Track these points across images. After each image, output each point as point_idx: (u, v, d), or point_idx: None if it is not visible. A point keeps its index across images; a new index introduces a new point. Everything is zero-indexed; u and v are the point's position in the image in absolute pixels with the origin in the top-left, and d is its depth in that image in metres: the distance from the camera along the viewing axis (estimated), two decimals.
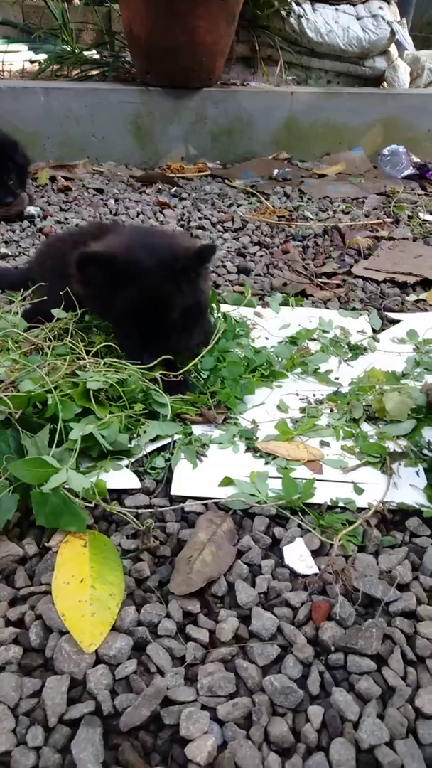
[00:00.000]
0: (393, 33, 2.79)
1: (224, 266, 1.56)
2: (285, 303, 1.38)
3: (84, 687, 0.59)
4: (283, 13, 2.72)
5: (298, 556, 0.74)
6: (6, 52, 2.96)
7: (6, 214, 1.77)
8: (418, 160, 2.54)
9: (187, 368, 0.99)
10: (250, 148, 2.57)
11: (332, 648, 0.64)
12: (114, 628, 0.64)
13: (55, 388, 0.86)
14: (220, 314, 1.21)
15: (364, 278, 1.54)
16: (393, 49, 2.94)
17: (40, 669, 0.61)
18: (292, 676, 0.61)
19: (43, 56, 2.87)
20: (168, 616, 0.66)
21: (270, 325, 1.27)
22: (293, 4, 2.70)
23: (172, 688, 0.60)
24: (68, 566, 0.69)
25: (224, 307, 1.29)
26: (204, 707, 0.58)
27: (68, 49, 2.80)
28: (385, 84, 2.96)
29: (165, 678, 0.61)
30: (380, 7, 2.79)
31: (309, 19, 2.74)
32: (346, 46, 2.77)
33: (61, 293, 1.03)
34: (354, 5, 2.80)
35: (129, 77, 2.63)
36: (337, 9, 2.77)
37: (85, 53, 2.86)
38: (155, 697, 0.58)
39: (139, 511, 0.78)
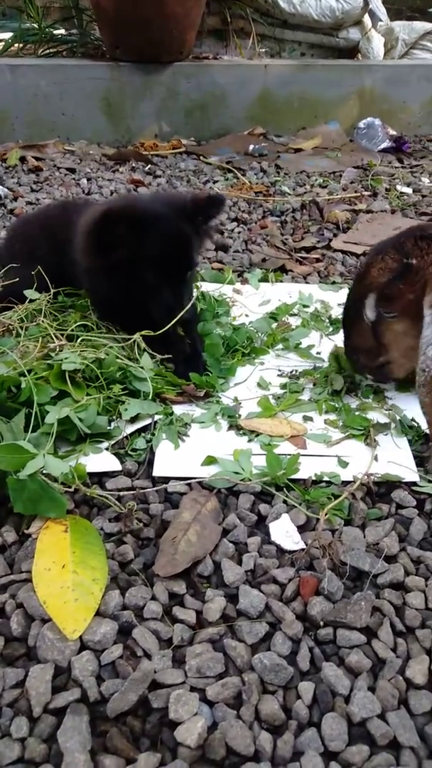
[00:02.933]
0: (366, 3, 2.75)
1: None
2: (264, 279, 1.35)
3: (69, 675, 0.58)
4: None
5: (284, 532, 0.73)
6: None
7: None
8: (394, 133, 2.51)
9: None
10: (225, 123, 2.51)
11: (321, 623, 0.63)
12: (98, 613, 0.62)
13: (29, 370, 0.84)
14: (199, 293, 1.19)
15: (343, 252, 1.52)
16: (367, 20, 2.89)
17: (23, 658, 0.60)
18: (281, 653, 0.60)
19: (8, 34, 2.77)
20: (153, 598, 0.65)
21: (250, 302, 1.25)
22: None
23: (160, 671, 0.58)
24: (49, 552, 0.67)
25: (203, 286, 1.26)
26: (193, 689, 0.57)
27: (35, 26, 2.70)
28: (359, 55, 2.91)
29: (152, 661, 0.59)
30: None
31: None
32: (319, 17, 2.72)
33: (33, 273, 1.00)
34: None
35: (98, 53, 2.55)
36: None
37: (53, 30, 2.77)
38: (142, 681, 0.57)
39: (121, 493, 0.76)
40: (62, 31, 2.83)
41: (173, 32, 2.29)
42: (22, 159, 2.08)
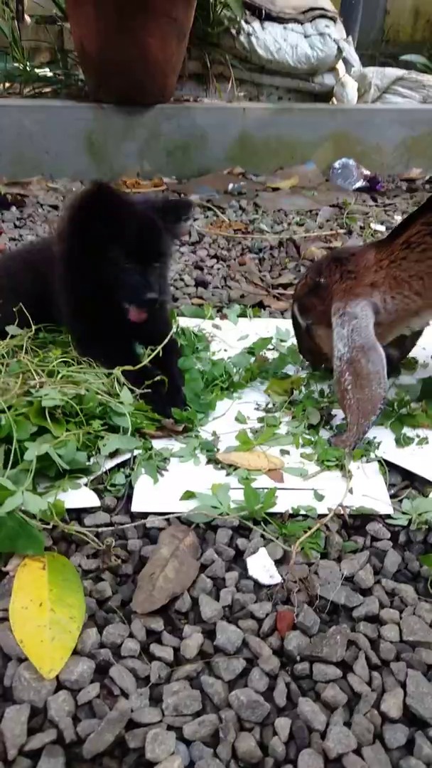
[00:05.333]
0: (340, 50, 2.88)
1: (182, 279, 1.57)
2: (243, 314, 1.39)
3: (45, 715, 0.57)
4: (233, 31, 2.77)
5: (261, 566, 0.74)
6: None
7: None
8: (368, 173, 2.61)
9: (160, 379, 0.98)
10: (205, 163, 2.59)
11: (298, 658, 0.64)
12: (75, 652, 0.62)
13: (9, 407, 0.85)
14: (179, 329, 1.21)
15: None
16: (341, 66, 3.03)
17: None
18: (258, 690, 0.61)
19: None
20: (131, 635, 0.65)
21: (229, 337, 1.28)
22: (243, 22, 2.76)
23: (137, 710, 0.58)
24: (26, 590, 0.67)
25: (182, 321, 1.29)
26: (170, 727, 0.57)
27: (20, 67, 2.78)
28: (334, 99, 3.04)
29: (129, 700, 0.59)
30: (326, 26, 2.88)
31: (258, 38, 2.80)
32: (296, 63, 2.84)
33: (14, 310, 1.01)
34: (301, 24, 2.88)
35: (82, 94, 2.63)
36: (285, 27, 2.84)
37: (38, 71, 2.85)
38: (119, 720, 0.56)
39: (100, 529, 0.77)
40: (47, 72, 2.92)
41: (155, 76, 2.37)
42: (5, 196, 2.11)
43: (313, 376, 1.14)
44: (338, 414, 1.02)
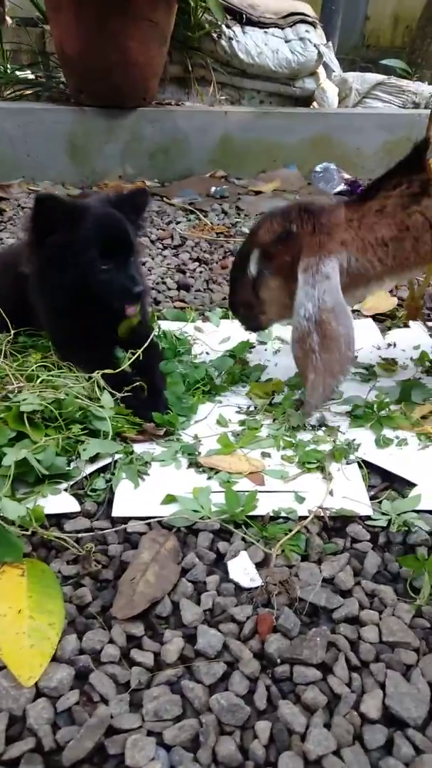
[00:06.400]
0: (320, 55, 2.91)
1: (164, 283, 1.57)
2: (225, 317, 1.39)
3: (24, 723, 0.57)
4: (215, 35, 2.79)
5: (242, 569, 0.74)
6: None
7: None
8: (348, 177, 2.63)
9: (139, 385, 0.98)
10: (187, 166, 2.59)
11: (278, 660, 0.64)
12: (54, 659, 0.62)
13: None
14: (161, 332, 1.21)
15: None
16: (321, 71, 3.05)
17: None
18: (238, 693, 0.61)
19: None
20: (111, 641, 0.65)
21: (210, 340, 1.28)
22: (224, 27, 2.77)
23: (117, 716, 0.58)
24: (5, 598, 0.66)
25: (164, 324, 1.29)
26: (150, 733, 0.57)
27: (0, 70, 2.76)
28: (315, 104, 3.07)
29: (109, 706, 0.59)
30: (307, 31, 2.90)
31: (240, 42, 2.82)
32: (276, 68, 2.86)
33: None
34: (282, 29, 2.90)
35: (63, 97, 2.62)
36: (266, 32, 2.86)
37: (19, 73, 2.83)
38: (98, 727, 0.56)
39: (80, 535, 0.76)
40: (29, 75, 2.90)
41: (136, 79, 2.37)
42: None
43: (293, 380, 1.14)
44: (314, 414, 1.03)
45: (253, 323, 1.12)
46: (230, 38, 2.81)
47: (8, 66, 2.79)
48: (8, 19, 3.68)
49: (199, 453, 0.94)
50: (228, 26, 2.80)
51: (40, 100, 2.61)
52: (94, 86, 2.33)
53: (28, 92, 2.72)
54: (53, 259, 0.93)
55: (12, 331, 1.03)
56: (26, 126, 2.32)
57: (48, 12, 2.33)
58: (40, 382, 0.92)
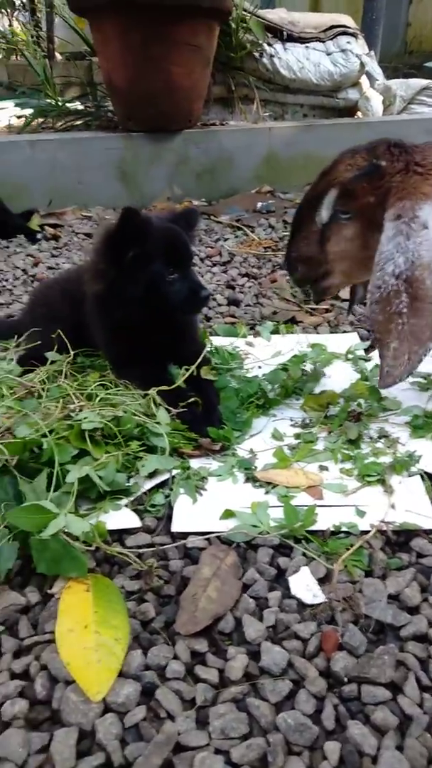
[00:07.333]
0: (362, 65, 2.90)
1: (214, 299, 1.58)
2: (276, 331, 1.39)
3: (93, 738, 0.58)
4: (256, 54, 2.83)
5: (304, 585, 0.73)
6: None
7: None
8: None
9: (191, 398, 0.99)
10: (233, 184, 2.63)
11: (345, 679, 0.62)
12: (121, 674, 0.63)
13: (51, 431, 0.87)
14: (213, 348, 1.22)
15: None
16: (364, 80, 3.04)
17: (48, 722, 0.60)
18: (305, 712, 0.60)
19: (28, 111, 2.97)
20: (175, 657, 0.65)
21: (262, 354, 1.28)
22: (265, 45, 2.81)
23: (184, 733, 0.58)
24: (72, 613, 0.68)
25: (216, 340, 1.30)
26: (218, 751, 0.57)
27: (52, 103, 2.90)
28: (359, 114, 3.05)
29: (176, 723, 0.59)
30: (348, 42, 2.90)
31: (281, 58, 2.85)
32: (319, 81, 2.87)
33: (52, 336, 1.05)
34: (323, 42, 2.92)
35: (112, 125, 2.72)
36: (307, 47, 2.88)
37: (69, 105, 2.96)
38: (166, 744, 0.56)
39: (141, 550, 0.77)
40: (78, 106, 3.03)
41: (181, 103, 2.43)
42: (42, 227, 2.19)
43: (348, 391, 1.13)
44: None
45: (315, 287, 0.97)
46: (272, 55, 2.84)
47: (59, 99, 2.93)
48: (58, 55, 3.86)
49: (255, 467, 0.93)
50: (269, 44, 2.84)
51: (90, 129, 2.72)
52: (141, 112, 2.41)
53: (79, 122, 2.83)
54: (127, 271, 0.97)
55: (71, 353, 1.07)
56: (78, 155, 2.41)
57: (96, 45, 2.44)
58: (99, 401, 0.95)
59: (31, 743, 0.57)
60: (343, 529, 0.81)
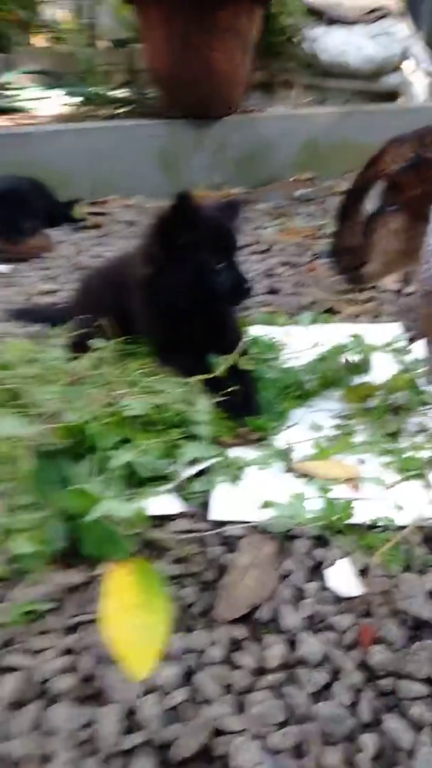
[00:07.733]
0: (406, 48, 2.81)
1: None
2: (314, 321, 1.38)
3: (135, 716, 0.60)
4: (297, 38, 2.78)
5: (341, 578, 0.73)
6: (39, 98, 3.10)
7: (19, 255, 1.82)
8: None
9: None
10: (273, 171, 2.60)
11: (382, 673, 0.63)
12: (162, 656, 0.64)
13: (94, 417, 0.89)
14: (251, 337, 1.22)
15: (392, 291, 1.53)
16: (407, 65, 2.95)
17: (92, 699, 0.62)
18: (342, 703, 0.60)
19: (74, 99, 3.00)
20: (214, 643, 0.66)
21: (301, 344, 1.27)
22: (306, 29, 2.76)
23: (221, 717, 0.59)
24: (115, 594, 0.70)
25: (254, 330, 1.30)
26: (255, 737, 0.58)
27: (98, 91, 2.92)
28: (401, 99, 2.97)
29: (213, 707, 0.60)
30: (391, 25, 2.82)
31: (322, 42, 2.79)
32: (360, 65, 2.80)
33: (98, 323, 1.07)
34: (366, 24, 2.84)
35: (154, 112, 2.72)
36: (349, 30, 2.82)
37: (113, 93, 2.98)
38: (204, 727, 0.58)
39: (181, 536, 0.79)
40: (122, 92, 3.04)
41: (221, 89, 2.42)
42: (85, 215, 2.20)
43: (388, 383, 1.11)
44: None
45: (356, 275, 0.99)
46: (313, 40, 2.79)
47: (103, 87, 2.94)
48: (101, 43, 3.86)
49: (293, 458, 0.94)
50: (311, 27, 2.79)
51: (133, 116, 2.73)
52: (183, 99, 2.40)
53: (122, 110, 2.84)
54: (176, 258, 0.98)
55: (116, 340, 1.08)
56: (120, 143, 2.43)
57: (141, 32, 2.43)
58: (141, 388, 0.96)
59: (77, 718, 0.59)
60: (381, 523, 0.80)
